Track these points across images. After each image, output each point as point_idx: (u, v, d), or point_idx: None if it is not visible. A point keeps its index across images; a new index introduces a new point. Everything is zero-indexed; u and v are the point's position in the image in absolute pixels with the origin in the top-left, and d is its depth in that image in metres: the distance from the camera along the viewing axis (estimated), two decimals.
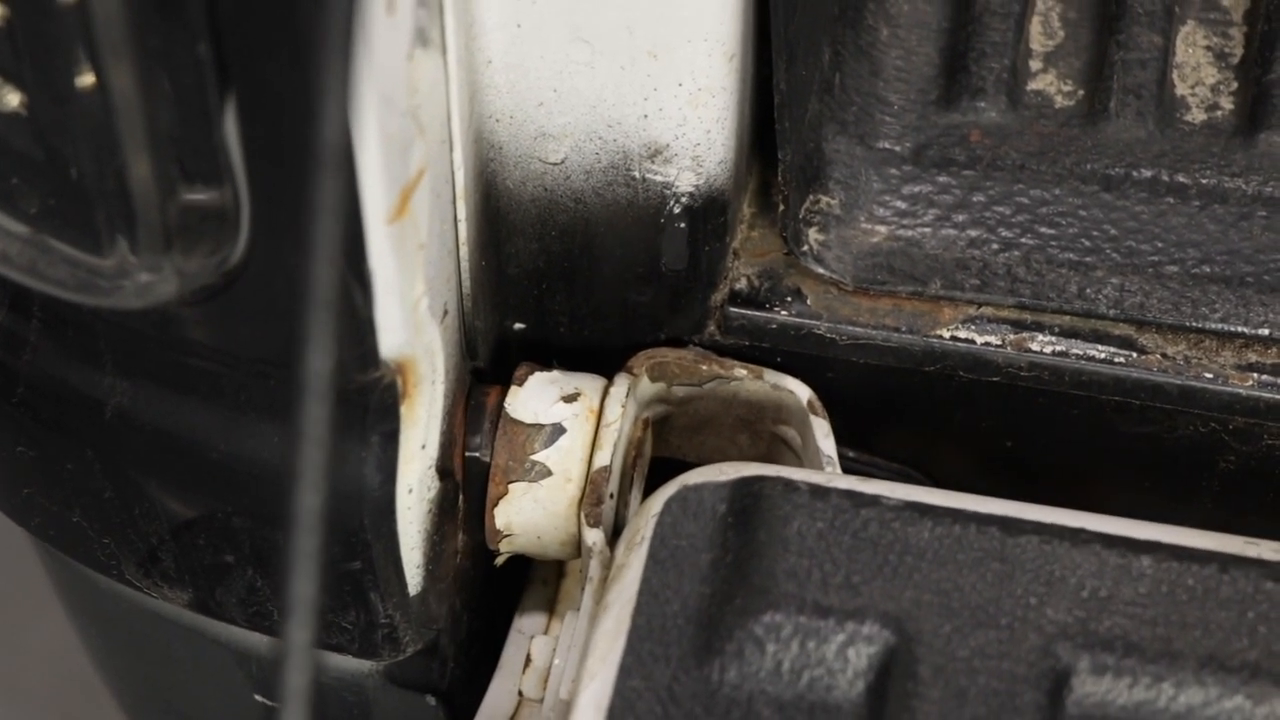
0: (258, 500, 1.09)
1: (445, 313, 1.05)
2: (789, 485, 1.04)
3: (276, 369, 1.03)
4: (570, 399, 1.15)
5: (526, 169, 1.09)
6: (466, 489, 1.15)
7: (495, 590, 1.29)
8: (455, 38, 0.99)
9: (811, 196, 1.16)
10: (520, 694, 1.20)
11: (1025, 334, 1.15)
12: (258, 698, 1.33)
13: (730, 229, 1.15)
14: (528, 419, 1.14)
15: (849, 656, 0.99)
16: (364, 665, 1.24)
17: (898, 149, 1.17)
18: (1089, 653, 0.98)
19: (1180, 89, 1.19)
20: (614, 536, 1.13)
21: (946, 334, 1.16)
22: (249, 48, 0.88)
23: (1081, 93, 1.19)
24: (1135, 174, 1.16)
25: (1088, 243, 1.16)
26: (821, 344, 1.16)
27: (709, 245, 1.13)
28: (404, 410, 1.04)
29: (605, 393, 1.15)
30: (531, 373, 1.16)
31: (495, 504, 1.14)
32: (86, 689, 2.21)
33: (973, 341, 1.16)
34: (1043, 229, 1.16)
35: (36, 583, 2.22)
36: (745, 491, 1.04)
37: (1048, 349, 1.15)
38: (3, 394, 1.12)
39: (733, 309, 1.17)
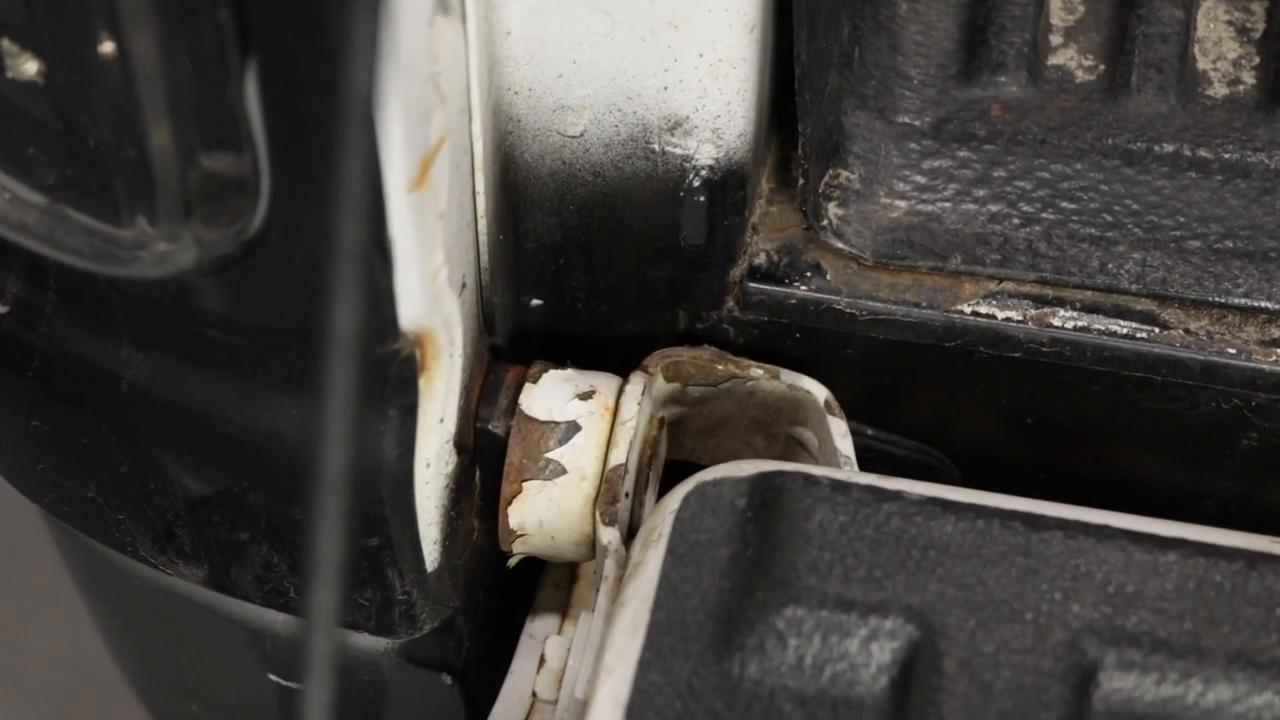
0: (274, 475, 1.08)
1: (464, 285, 1.05)
2: (809, 480, 1.02)
3: (295, 340, 1.02)
4: (585, 396, 1.13)
5: (545, 142, 1.09)
6: (482, 465, 1.14)
7: (511, 571, 1.28)
8: (475, 7, 0.98)
9: (831, 171, 1.16)
10: (534, 695, 1.19)
11: (1046, 309, 1.15)
12: (272, 677, 1.32)
13: (749, 203, 1.14)
14: (542, 416, 1.13)
15: (872, 651, 0.97)
16: (380, 643, 1.24)
17: (918, 123, 1.16)
18: (1116, 648, 0.97)
19: (1202, 63, 1.19)
20: (629, 537, 1.11)
21: (967, 309, 1.15)
22: (270, 13, 0.87)
23: (1102, 67, 1.18)
24: (1157, 149, 1.15)
25: (1109, 218, 1.15)
26: (841, 319, 1.16)
27: (728, 219, 1.13)
28: (422, 383, 1.03)
29: (621, 390, 1.14)
30: (546, 370, 1.15)
31: (509, 503, 1.13)
32: (87, 687, 2.21)
33: (993, 317, 1.15)
34: (1064, 204, 1.15)
35: (37, 581, 2.22)
36: (765, 486, 1.03)
37: (1069, 324, 1.14)
38: (18, 368, 1.11)
39: (751, 284, 1.16)
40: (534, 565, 1.29)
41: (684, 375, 1.17)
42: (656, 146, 1.08)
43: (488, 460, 1.14)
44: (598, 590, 1.08)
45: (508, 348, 1.17)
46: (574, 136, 1.08)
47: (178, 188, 0.92)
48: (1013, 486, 1.07)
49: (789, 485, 1.02)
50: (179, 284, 1.01)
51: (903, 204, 1.16)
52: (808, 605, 0.98)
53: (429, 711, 1.29)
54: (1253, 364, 1.13)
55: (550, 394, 1.13)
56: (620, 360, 1.17)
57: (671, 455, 1.22)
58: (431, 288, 0.99)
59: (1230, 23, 1.21)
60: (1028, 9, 1.19)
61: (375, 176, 0.91)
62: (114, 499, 1.14)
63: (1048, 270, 1.15)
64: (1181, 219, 1.15)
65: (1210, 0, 1.21)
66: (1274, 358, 1.13)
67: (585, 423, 1.12)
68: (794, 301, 1.16)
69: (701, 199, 1.11)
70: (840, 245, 1.15)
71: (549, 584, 1.30)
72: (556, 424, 1.13)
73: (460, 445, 1.09)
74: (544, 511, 1.13)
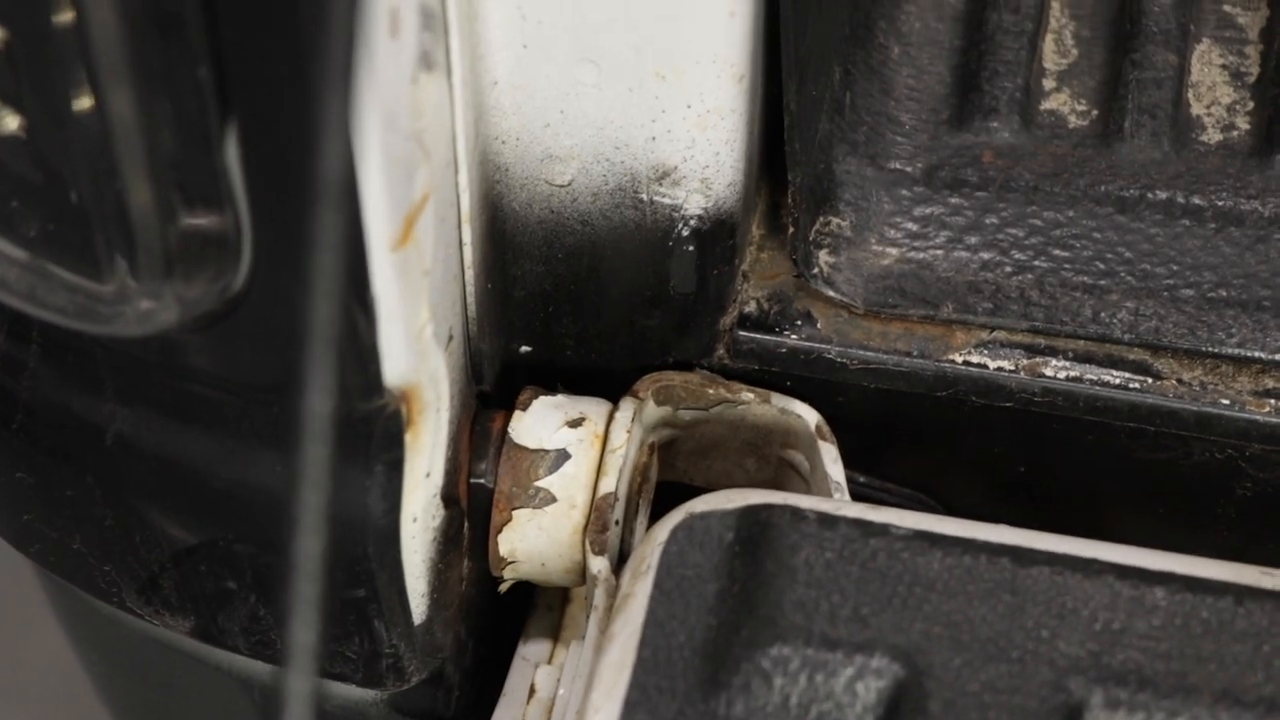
0: (260, 527, 1.07)
1: (450, 338, 1.04)
2: (796, 514, 1.02)
3: (278, 396, 1.02)
4: (575, 424, 1.13)
5: (533, 191, 1.08)
6: (471, 516, 1.13)
7: (501, 617, 1.27)
8: (460, 59, 0.98)
9: (822, 218, 1.15)
10: None
11: (1039, 359, 1.14)
12: None
13: (739, 251, 1.14)
14: (532, 444, 1.13)
15: (858, 690, 0.97)
16: (368, 694, 1.23)
17: (909, 170, 1.15)
18: (1102, 687, 0.96)
19: (1196, 109, 1.18)
20: (619, 563, 1.11)
21: (959, 358, 1.14)
22: (250, 71, 0.87)
23: (1095, 112, 1.17)
24: (1150, 195, 1.14)
25: (1102, 266, 1.14)
26: (832, 368, 1.15)
27: (718, 268, 1.12)
28: (409, 438, 1.03)
29: (610, 418, 1.14)
30: (535, 397, 1.14)
31: (499, 531, 1.12)
32: (88, 696, 2.20)
33: (985, 366, 1.14)
34: (1056, 251, 1.14)
35: (37, 591, 2.21)
36: (752, 520, 1.02)
37: (1061, 374, 1.14)
38: (2, 420, 1.10)
39: (742, 332, 1.15)
40: (525, 605, 1.29)
41: (675, 399, 1.17)
42: (645, 196, 1.07)
43: (478, 512, 1.13)
44: (588, 618, 1.08)
45: (495, 393, 1.17)
46: (562, 185, 1.08)
47: (158, 244, 0.91)
48: None
49: (776, 520, 1.02)
50: (162, 340, 1.00)
51: (894, 251, 1.15)
52: (794, 644, 0.97)
53: None
54: (1246, 414, 1.12)
55: (540, 421, 1.13)
56: (610, 392, 1.17)
57: (664, 476, 1.22)
58: (417, 344, 0.98)
59: (1224, 67, 1.20)
60: (1020, 53, 1.18)
61: (358, 236, 0.90)
62: (99, 550, 1.13)
63: (1040, 319, 1.14)
64: (1175, 267, 1.14)
65: (1204, 44, 1.20)
66: (1267, 408, 1.12)
67: (575, 450, 1.12)
68: (784, 350, 1.15)
69: (690, 248, 1.10)
70: (831, 293, 1.14)
71: (542, 605, 1.29)
72: (546, 452, 1.12)
73: (448, 498, 1.08)
74: (534, 539, 1.12)
